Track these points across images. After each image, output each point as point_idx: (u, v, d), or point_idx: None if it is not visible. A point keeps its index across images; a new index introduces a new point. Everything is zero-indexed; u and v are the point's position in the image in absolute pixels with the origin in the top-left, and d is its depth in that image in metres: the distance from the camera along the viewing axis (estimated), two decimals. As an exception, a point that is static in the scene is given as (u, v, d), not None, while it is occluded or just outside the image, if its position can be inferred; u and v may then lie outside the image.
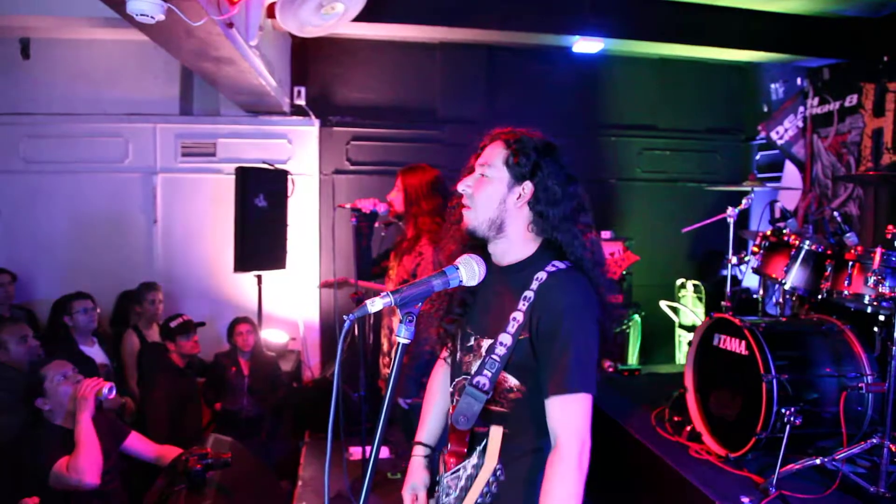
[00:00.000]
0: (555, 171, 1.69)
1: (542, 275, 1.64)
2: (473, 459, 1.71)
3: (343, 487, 3.75)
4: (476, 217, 1.71)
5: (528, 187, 1.68)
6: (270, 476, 3.81)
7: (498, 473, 1.67)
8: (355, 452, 4.02)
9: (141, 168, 5.67)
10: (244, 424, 4.40)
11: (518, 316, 1.62)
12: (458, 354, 1.80)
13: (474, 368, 1.67)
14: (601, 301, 1.66)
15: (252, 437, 4.33)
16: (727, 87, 6.60)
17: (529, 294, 1.62)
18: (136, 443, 3.12)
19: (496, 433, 1.67)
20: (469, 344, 1.75)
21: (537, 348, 1.61)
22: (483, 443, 1.69)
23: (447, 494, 1.76)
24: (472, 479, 1.70)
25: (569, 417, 1.55)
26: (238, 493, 2.97)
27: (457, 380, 1.76)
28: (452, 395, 1.78)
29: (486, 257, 1.73)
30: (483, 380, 1.62)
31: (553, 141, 1.75)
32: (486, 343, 1.68)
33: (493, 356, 1.62)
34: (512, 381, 1.65)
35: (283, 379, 4.89)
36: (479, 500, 1.68)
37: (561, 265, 1.66)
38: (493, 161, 1.70)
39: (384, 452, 4.21)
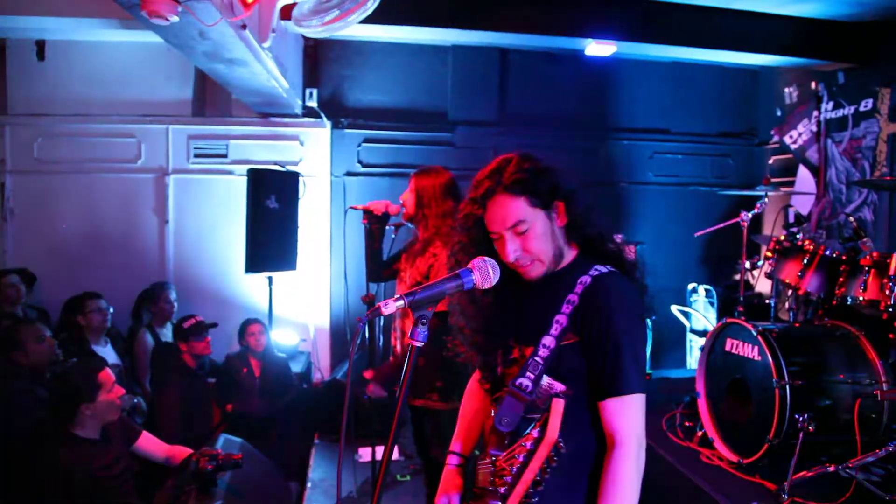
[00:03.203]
0: (559, 175, 1.71)
1: (586, 279, 1.65)
2: (533, 434, 1.61)
3: (352, 489, 3.75)
4: (544, 261, 1.70)
5: (560, 205, 1.70)
6: (280, 477, 3.82)
7: (560, 447, 1.58)
8: (364, 454, 4.02)
9: (153, 169, 5.71)
10: (254, 425, 4.41)
11: (561, 319, 1.63)
12: (500, 369, 1.79)
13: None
14: (644, 302, 1.69)
15: (262, 438, 4.33)
16: (740, 90, 6.56)
17: (574, 298, 1.64)
18: (148, 443, 3.12)
19: (557, 406, 1.57)
20: (511, 357, 1.75)
21: (587, 352, 1.61)
22: (543, 417, 1.61)
23: (501, 477, 1.65)
24: (531, 454, 1.60)
25: (627, 419, 1.58)
26: (248, 494, 2.98)
27: (498, 392, 1.73)
28: (496, 408, 1.72)
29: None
30: (525, 381, 1.61)
31: (528, 152, 1.73)
32: (528, 351, 1.67)
33: (536, 358, 1.62)
34: (558, 387, 1.64)
35: (294, 380, 4.90)
36: (537, 478, 1.58)
37: (603, 269, 1.67)
38: (522, 215, 1.67)
39: (394, 454, 4.20)
